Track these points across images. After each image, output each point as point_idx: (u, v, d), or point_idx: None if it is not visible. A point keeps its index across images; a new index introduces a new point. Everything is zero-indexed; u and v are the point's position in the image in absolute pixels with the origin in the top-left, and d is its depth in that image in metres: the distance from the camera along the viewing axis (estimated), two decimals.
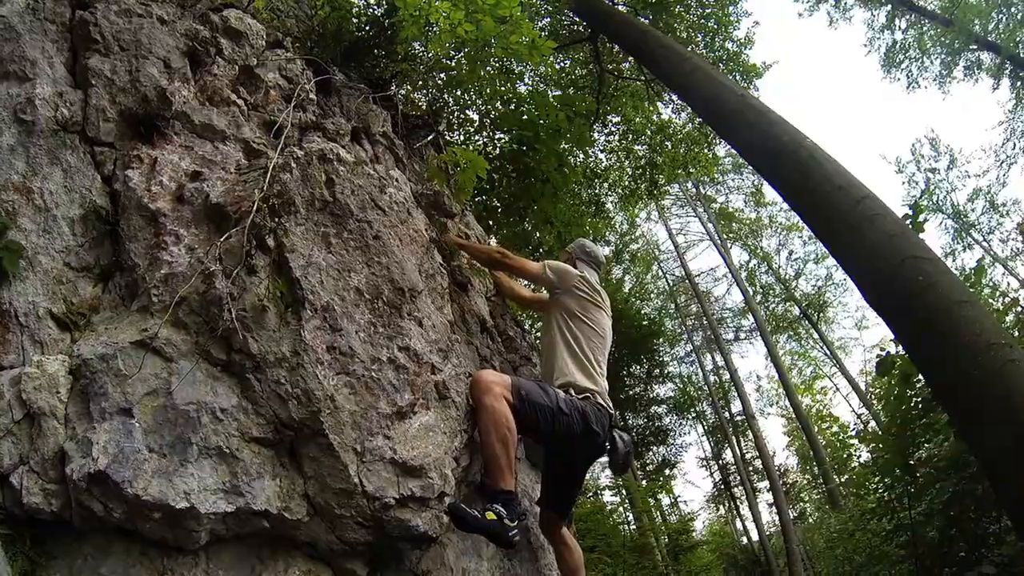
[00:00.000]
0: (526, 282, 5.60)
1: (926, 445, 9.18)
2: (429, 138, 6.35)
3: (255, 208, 3.22)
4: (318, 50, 5.50)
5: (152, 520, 2.68)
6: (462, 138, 8.67)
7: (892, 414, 9.82)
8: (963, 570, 7.57)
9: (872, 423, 21.62)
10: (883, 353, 9.25)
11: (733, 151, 20.17)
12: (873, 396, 23.09)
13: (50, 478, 2.66)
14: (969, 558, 7.66)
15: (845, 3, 21.89)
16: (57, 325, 3.02)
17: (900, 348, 8.14)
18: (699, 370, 29.26)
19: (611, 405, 4.31)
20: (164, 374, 2.87)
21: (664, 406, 25.65)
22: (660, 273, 30.99)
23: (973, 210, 26.52)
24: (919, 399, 8.98)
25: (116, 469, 2.62)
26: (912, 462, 9.29)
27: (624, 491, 23.20)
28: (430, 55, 6.81)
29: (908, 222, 7.77)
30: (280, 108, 4.35)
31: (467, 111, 8.40)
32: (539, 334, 5.44)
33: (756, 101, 8.33)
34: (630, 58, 13.41)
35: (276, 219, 3.28)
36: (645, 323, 22.49)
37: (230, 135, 3.93)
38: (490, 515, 3.36)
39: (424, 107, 6.96)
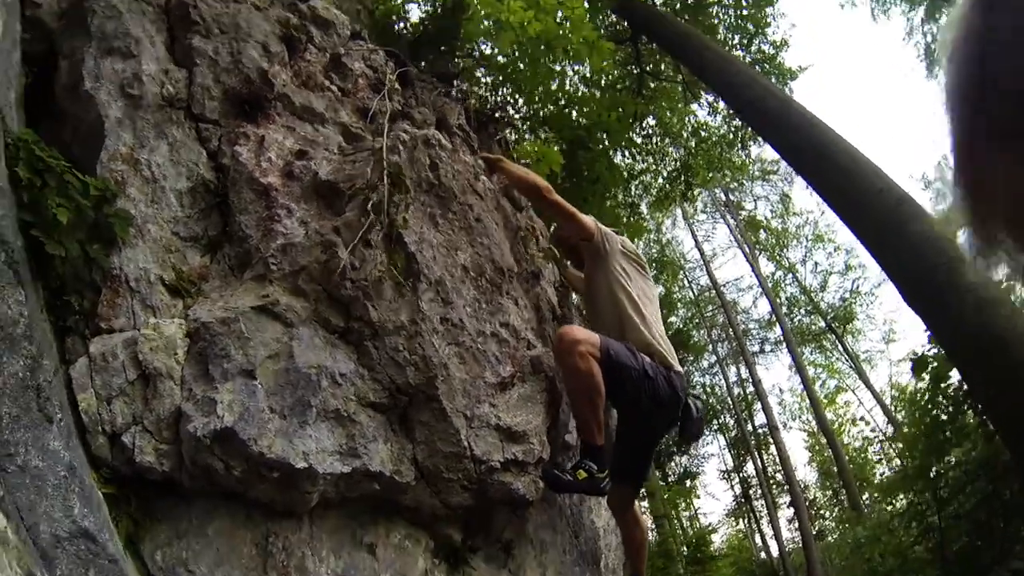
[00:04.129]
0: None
1: (955, 449, 9.24)
2: (506, 132, 6.42)
3: (372, 185, 3.36)
4: (387, 42, 5.61)
5: (268, 480, 2.77)
6: (514, 137, 8.80)
7: (921, 416, 9.86)
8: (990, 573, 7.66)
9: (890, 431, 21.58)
10: (916, 355, 9.36)
11: (763, 158, 20.32)
12: (899, 407, 23.00)
13: (163, 438, 2.69)
14: (996, 562, 7.74)
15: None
16: (168, 291, 3.07)
17: (934, 350, 8.22)
18: (723, 381, 29.25)
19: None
20: (285, 339, 2.98)
21: None
22: (685, 283, 30.98)
23: None
24: (949, 403, 9.05)
25: (242, 427, 2.70)
26: (940, 468, 9.36)
27: (646, 494, 23.11)
28: (493, 52, 6.95)
29: None
30: (368, 96, 4.47)
31: (522, 109, 8.49)
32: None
33: (798, 104, 8.57)
34: (667, 59, 13.52)
35: (391, 197, 3.40)
36: (671, 333, 22.48)
37: (328, 118, 4.04)
38: (581, 474, 3.55)
39: (488, 104, 7.04)
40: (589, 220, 4.38)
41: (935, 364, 8.70)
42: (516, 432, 3.49)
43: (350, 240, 3.24)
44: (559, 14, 6.56)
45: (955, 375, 8.21)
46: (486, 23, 6.40)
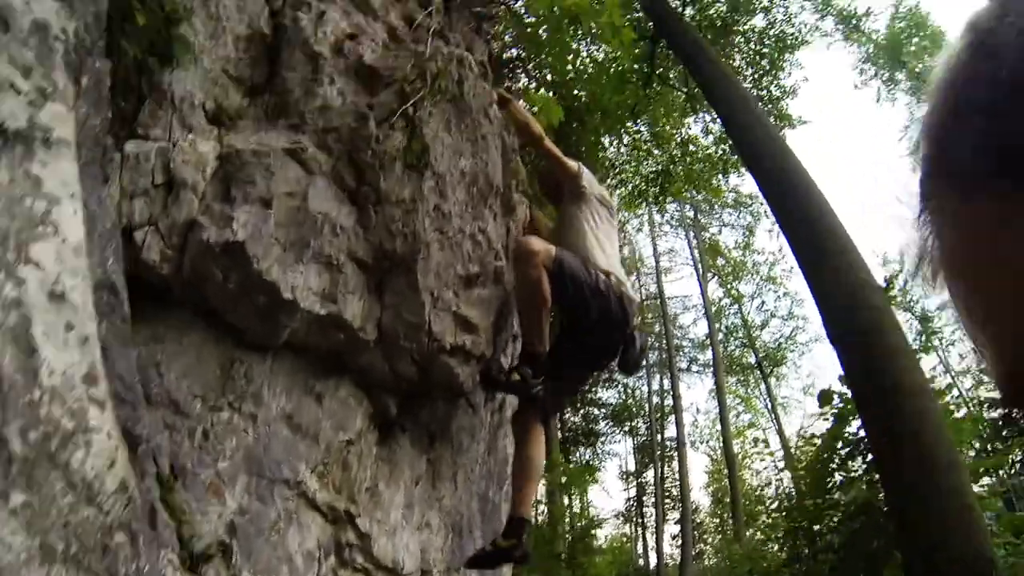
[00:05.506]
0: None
1: (839, 491, 9.95)
2: (519, 84, 6.79)
3: (409, 79, 3.82)
4: None
5: (254, 303, 3.11)
6: (522, 84, 9.17)
7: (816, 456, 10.61)
8: None
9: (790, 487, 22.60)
10: (826, 389, 10.12)
11: (739, 188, 21.14)
12: (800, 451, 23.99)
13: (171, 244, 2.91)
14: None
15: (895, 86, 23.09)
16: (207, 117, 3.29)
17: (845, 388, 8.94)
18: (646, 387, 29.95)
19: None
20: (304, 182, 3.36)
21: (602, 411, 26.35)
22: (636, 285, 31.58)
23: (939, 317, 27.72)
24: (845, 444, 9.77)
25: (251, 245, 3.04)
26: (821, 503, 10.06)
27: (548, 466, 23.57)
28: (522, 8, 7.35)
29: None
30: (416, 9, 4.78)
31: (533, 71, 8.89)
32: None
33: (782, 142, 9.27)
34: (678, 67, 14.01)
35: (423, 94, 3.86)
36: None
37: (380, 16, 4.36)
38: (515, 376, 3.98)
39: (506, 54, 7.40)
40: (574, 164, 4.78)
41: (842, 404, 9.45)
42: (470, 323, 3.98)
43: (381, 117, 3.68)
44: None
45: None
46: None
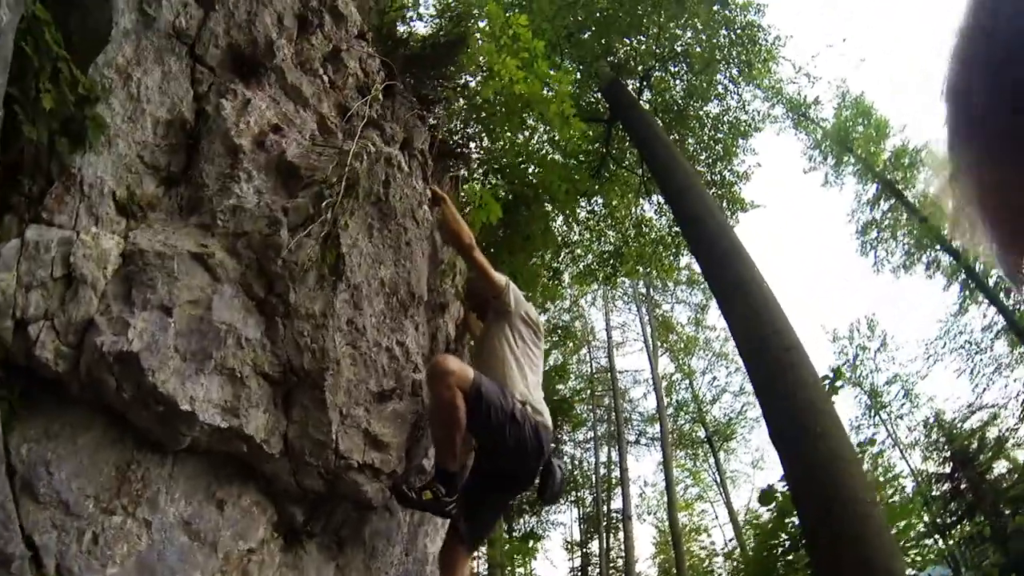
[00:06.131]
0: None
1: None
2: (461, 172, 6.73)
3: (329, 183, 3.69)
4: (386, 53, 5.83)
5: (151, 411, 2.98)
6: (465, 173, 9.12)
7: (762, 543, 10.60)
8: None
9: (737, 551, 22.59)
10: (768, 486, 10.11)
11: (692, 267, 21.44)
12: (747, 528, 24.03)
13: (68, 341, 2.79)
14: None
15: (842, 171, 23.94)
16: (116, 208, 3.16)
17: (785, 485, 8.91)
18: (593, 458, 29.87)
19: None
20: (209, 290, 3.22)
21: None
22: (587, 358, 31.64)
23: (888, 392, 28.13)
24: (788, 539, 9.76)
25: (146, 356, 2.90)
26: None
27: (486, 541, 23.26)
28: (474, 90, 7.32)
29: (827, 383, 8.78)
30: (352, 96, 4.78)
31: (483, 150, 8.85)
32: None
33: (734, 235, 9.20)
34: (633, 151, 14.10)
35: (342, 198, 3.73)
36: (556, 399, 22.95)
37: (311, 104, 4.31)
38: (427, 494, 3.83)
39: (455, 135, 7.35)
40: (501, 279, 4.62)
41: (780, 499, 9.40)
42: (381, 441, 3.82)
43: (295, 223, 3.55)
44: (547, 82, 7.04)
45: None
46: (480, 62, 6.83)
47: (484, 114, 7.60)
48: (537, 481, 4.36)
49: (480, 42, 6.80)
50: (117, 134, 3.19)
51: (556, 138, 11.51)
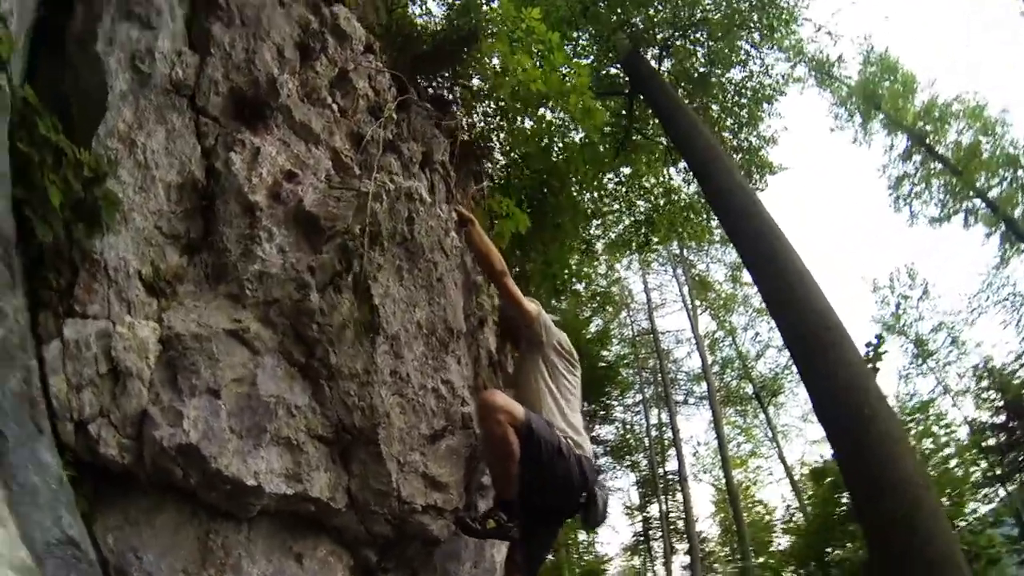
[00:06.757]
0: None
1: (840, 550, 9.93)
2: (483, 184, 6.60)
3: (352, 233, 3.68)
4: (395, 54, 5.73)
5: (219, 491, 3.04)
6: (487, 184, 8.98)
7: (817, 512, 10.61)
8: None
9: (798, 514, 22.57)
10: (820, 461, 10.09)
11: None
12: (804, 487, 23.99)
13: (127, 434, 2.84)
14: None
15: (870, 127, 23.55)
16: (145, 288, 3.11)
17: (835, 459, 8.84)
18: (644, 422, 29.76)
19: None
20: (250, 365, 3.23)
21: (602, 447, 26.18)
22: (628, 322, 31.53)
23: (934, 341, 27.68)
24: (844, 508, 9.73)
25: (205, 445, 2.94)
26: (827, 559, 10.04)
27: None
28: (489, 88, 7.19)
29: (869, 350, 8.65)
30: (365, 120, 4.64)
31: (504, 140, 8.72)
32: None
33: (765, 212, 9.04)
34: (656, 120, 13.91)
35: (367, 248, 3.71)
36: (602, 365, 22.95)
37: (323, 140, 4.19)
38: (491, 523, 3.83)
39: (474, 131, 7.16)
40: (532, 308, 4.54)
41: (831, 474, 9.39)
42: (439, 482, 3.87)
43: (323, 282, 3.54)
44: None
45: None
46: (494, 62, 6.73)
47: (502, 110, 7.47)
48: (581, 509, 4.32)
49: (492, 40, 6.67)
50: (131, 208, 3.14)
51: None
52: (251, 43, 3.87)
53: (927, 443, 15.07)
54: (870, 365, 8.58)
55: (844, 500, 9.72)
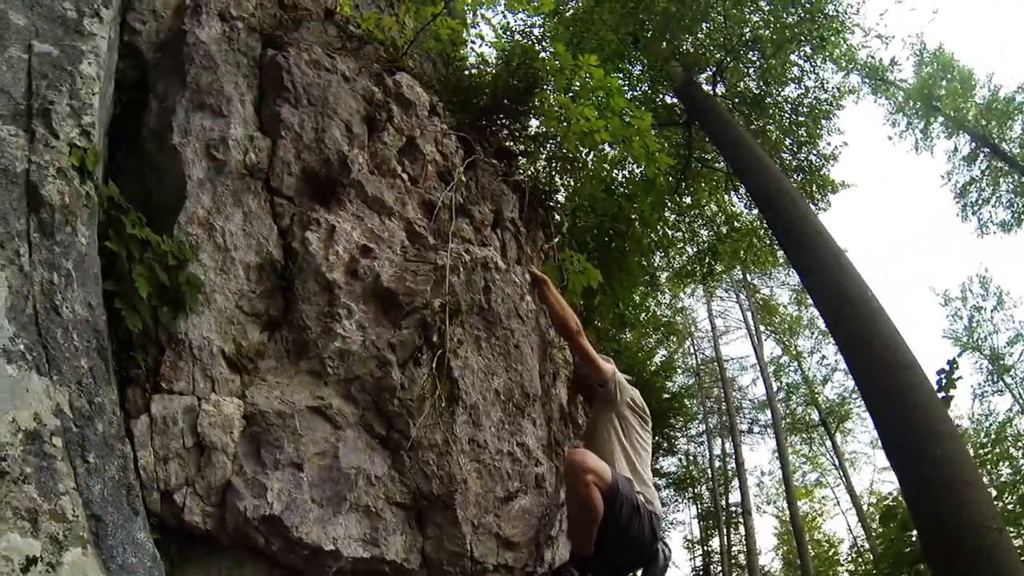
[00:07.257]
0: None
1: None
2: (555, 241, 6.57)
3: (429, 308, 3.80)
4: (458, 112, 5.77)
5: (298, 554, 3.16)
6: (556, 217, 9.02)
7: (886, 552, 10.33)
8: None
9: (865, 550, 21.86)
10: (889, 503, 9.87)
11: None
12: (872, 518, 23.30)
13: (211, 503, 2.98)
14: None
15: (931, 132, 22.83)
16: (228, 365, 3.26)
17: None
18: (707, 452, 29.48)
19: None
20: (332, 439, 3.35)
21: (664, 479, 25.91)
22: (692, 350, 31.23)
23: (1011, 354, 26.68)
24: (912, 547, 9.48)
25: (288, 516, 3.07)
26: None
27: None
28: (553, 137, 7.24)
29: (942, 378, 8.43)
30: (435, 186, 4.72)
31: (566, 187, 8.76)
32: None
33: (833, 243, 8.92)
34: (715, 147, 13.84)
35: (447, 323, 3.82)
36: (667, 397, 22.72)
37: (395, 212, 4.29)
38: None
39: (540, 181, 7.19)
40: (608, 368, 4.61)
41: (901, 512, 9.17)
42: (511, 541, 3.97)
43: (404, 358, 3.66)
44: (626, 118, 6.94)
45: None
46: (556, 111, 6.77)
47: (565, 157, 7.51)
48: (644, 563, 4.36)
49: (550, 89, 6.72)
50: (213, 289, 3.28)
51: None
52: (320, 122, 3.99)
53: (1005, 469, 14.54)
54: (942, 394, 8.37)
55: (913, 538, 9.46)
